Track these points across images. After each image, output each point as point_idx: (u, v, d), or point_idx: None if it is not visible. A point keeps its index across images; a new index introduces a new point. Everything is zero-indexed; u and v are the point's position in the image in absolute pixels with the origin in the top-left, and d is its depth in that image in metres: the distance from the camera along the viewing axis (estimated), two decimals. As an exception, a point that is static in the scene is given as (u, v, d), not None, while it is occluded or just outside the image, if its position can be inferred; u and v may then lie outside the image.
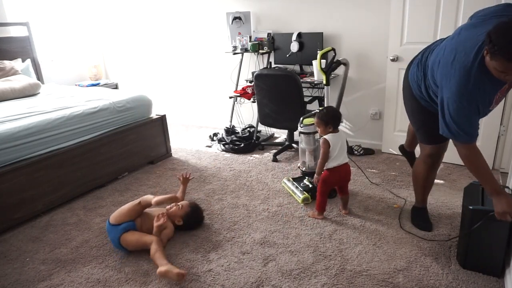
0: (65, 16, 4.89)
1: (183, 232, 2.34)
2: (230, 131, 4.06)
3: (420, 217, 2.32)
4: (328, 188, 2.40)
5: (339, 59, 2.72)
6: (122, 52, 5.18)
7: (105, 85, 4.90)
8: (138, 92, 3.48)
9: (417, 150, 2.38)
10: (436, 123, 1.92)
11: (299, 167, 2.82)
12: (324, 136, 2.31)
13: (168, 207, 2.33)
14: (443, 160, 3.23)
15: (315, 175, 2.38)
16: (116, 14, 4.99)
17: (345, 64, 2.71)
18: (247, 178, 3.11)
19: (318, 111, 2.65)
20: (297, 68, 3.80)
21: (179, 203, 2.34)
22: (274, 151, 3.63)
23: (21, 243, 2.33)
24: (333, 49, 2.77)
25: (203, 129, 4.65)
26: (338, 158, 2.32)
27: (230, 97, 4.08)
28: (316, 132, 2.63)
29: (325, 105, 2.82)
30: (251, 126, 4.14)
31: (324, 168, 2.35)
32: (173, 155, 3.74)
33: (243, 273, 1.95)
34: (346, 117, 3.73)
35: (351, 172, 2.43)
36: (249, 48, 3.77)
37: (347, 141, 2.63)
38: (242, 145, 3.75)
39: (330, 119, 2.32)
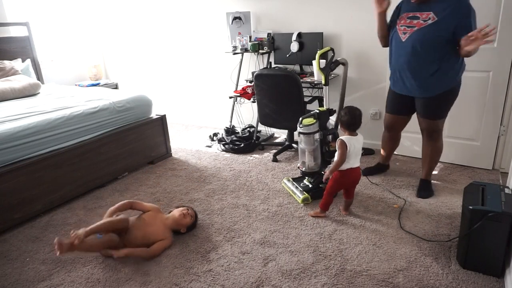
0: (65, 16, 4.89)
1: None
2: (230, 131, 4.06)
3: (375, 167, 3.03)
4: (337, 189, 2.40)
5: (338, 59, 2.72)
6: (122, 52, 5.18)
7: (105, 85, 4.90)
8: (138, 92, 3.47)
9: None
10: (389, 96, 2.70)
11: (298, 167, 2.82)
12: (342, 138, 2.29)
13: (180, 214, 2.24)
14: (443, 160, 3.25)
15: (327, 172, 2.35)
16: (116, 14, 5.00)
17: (344, 64, 2.72)
18: (247, 178, 3.11)
19: (317, 111, 2.66)
20: (297, 68, 3.80)
21: (189, 212, 2.30)
22: (274, 151, 3.63)
23: (21, 243, 2.34)
24: (332, 49, 2.77)
25: (203, 129, 4.65)
26: (352, 160, 2.30)
27: (230, 97, 4.08)
28: (316, 132, 2.63)
29: (325, 106, 2.81)
30: (251, 126, 4.14)
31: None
32: (173, 155, 3.74)
33: (243, 273, 1.95)
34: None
35: (360, 175, 2.43)
36: (249, 48, 3.77)
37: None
38: (242, 145, 3.75)
39: (350, 120, 2.30)
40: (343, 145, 2.26)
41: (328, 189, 2.38)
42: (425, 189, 2.68)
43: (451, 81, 2.39)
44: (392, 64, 2.54)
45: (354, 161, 2.32)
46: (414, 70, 2.39)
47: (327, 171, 2.37)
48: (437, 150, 2.64)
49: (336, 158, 2.31)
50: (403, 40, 2.37)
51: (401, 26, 2.40)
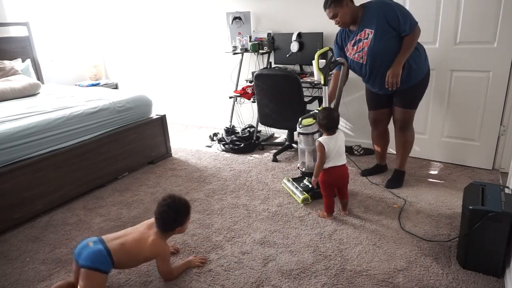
0: (65, 16, 4.89)
1: (183, 233, 2.33)
2: (230, 131, 4.06)
3: (373, 168, 3.07)
4: (329, 189, 2.39)
5: (337, 59, 2.72)
6: (122, 52, 5.18)
7: (105, 85, 4.90)
8: (138, 92, 3.47)
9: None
10: (368, 96, 2.86)
11: (298, 167, 2.82)
12: (319, 139, 2.32)
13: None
14: (443, 160, 3.26)
15: (313, 177, 2.39)
16: (116, 14, 5.00)
17: (343, 64, 2.72)
18: (247, 178, 3.11)
19: (316, 111, 2.66)
20: (297, 68, 3.80)
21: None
22: (274, 151, 3.63)
23: (21, 243, 2.34)
24: (331, 49, 2.78)
25: (203, 129, 4.65)
26: (334, 159, 2.32)
27: (230, 97, 4.08)
28: (316, 132, 2.63)
29: (324, 105, 2.82)
30: (251, 126, 4.14)
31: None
32: (173, 155, 3.74)
33: (243, 273, 1.95)
34: (346, 117, 3.72)
35: (348, 174, 2.43)
36: (249, 48, 3.77)
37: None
38: (242, 145, 3.75)
39: (329, 123, 2.33)
40: (321, 146, 2.29)
41: (322, 192, 2.40)
42: (395, 180, 2.82)
43: (421, 71, 2.55)
44: (365, 80, 2.71)
45: (336, 160, 2.33)
46: (384, 77, 2.51)
47: (313, 177, 2.40)
48: (409, 140, 2.77)
49: (317, 160, 2.34)
50: (364, 63, 2.55)
51: (354, 55, 2.59)
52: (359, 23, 2.50)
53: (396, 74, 2.40)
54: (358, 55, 2.56)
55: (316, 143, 2.33)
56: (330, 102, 2.82)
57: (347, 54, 2.66)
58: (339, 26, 2.56)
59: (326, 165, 2.33)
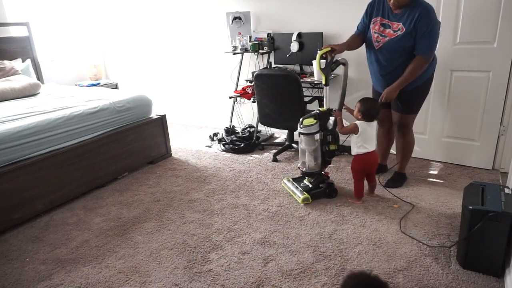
0: (65, 16, 4.89)
1: (183, 232, 2.34)
2: (230, 131, 4.06)
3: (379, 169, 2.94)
4: (360, 174, 2.57)
5: (338, 59, 2.72)
6: (122, 52, 5.18)
7: (105, 85, 4.90)
8: (138, 92, 3.48)
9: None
10: (374, 94, 2.81)
11: (299, 167, 2.82)
12: (356, 122, 2.48)
13: None
14: (443, 160, 3.25)
15: (337, 111, 2.63)
16: (116, 14, 5.00)
17: (344, 64, 2.73)
18: (247, 178, 3.11)
19: (318, 111, 2.66)
20: (297, 68, 3.80)
21: None
22: (274, 151, 3.63)
23: (21, 243, 2.34)
24: (332, 49, 2.78)
25: (203, 129, 4.65)
26: (367, 145, 2.48)
27: (230, 97, 4.08)
28: (317, 132, 2.63)
29: (325, 106, 2.82)
30: (251, 126, 4.14)
31: (353, 154, 2.55)
32: (173, 155, 3.74)
33: (243, 273, 1.95)
34: (346, 117, 3.71)
35: (378, 159, 2.63)
36: (249, 48, 3.77)
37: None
38: (242, 145, 3.75)
39: (373, 112, 2.47)
40: (356, 127, 2.47)
41: (354, 177, 2.58)
42: (394, 180, 2.85)
43: (423, 76, 2.54)
44: (370, 68, 2.76)
45: (369, 146, 2.49)
46: (388, 75, 2.57)
47: (337, 112, 2.63)
48: (406, 144, 2.78)
49: (347, 127, 2.52)
50: (376, 48, 2.55)
51: (374, 32, 2.54)
52: (402, 12, 2.40)
53: (390, 98, 2.52)
54: (377, 37, 2.52)
55: (351, 124, 2.50)
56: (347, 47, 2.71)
57: (371, 25, 2.57)
58: (392, 3, 2.38)
59: (360, 151, 2.50)
